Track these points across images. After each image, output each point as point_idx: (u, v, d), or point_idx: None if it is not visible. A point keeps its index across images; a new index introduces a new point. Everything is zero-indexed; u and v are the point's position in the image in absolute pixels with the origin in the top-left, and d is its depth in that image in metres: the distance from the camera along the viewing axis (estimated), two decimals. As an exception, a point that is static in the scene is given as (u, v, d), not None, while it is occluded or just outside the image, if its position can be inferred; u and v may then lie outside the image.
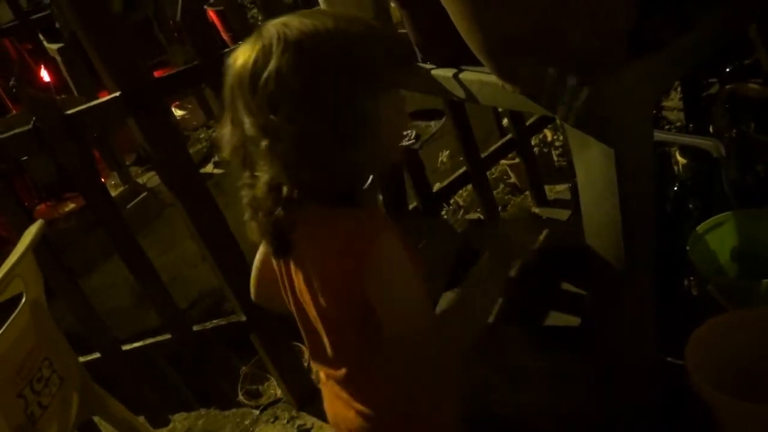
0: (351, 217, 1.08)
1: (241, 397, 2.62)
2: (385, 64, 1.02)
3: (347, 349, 1.20)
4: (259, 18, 3.16)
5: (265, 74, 0.98)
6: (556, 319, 1.60)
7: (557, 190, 3.26)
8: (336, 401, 1.30)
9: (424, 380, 1.18)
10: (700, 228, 1.95)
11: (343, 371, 1.23)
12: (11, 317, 1.69)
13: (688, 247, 1.91)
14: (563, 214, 3.03)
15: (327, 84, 0.98)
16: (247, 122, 1.02)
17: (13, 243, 1.85)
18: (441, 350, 1.12)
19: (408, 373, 1.16)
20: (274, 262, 1.24)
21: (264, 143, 1.00)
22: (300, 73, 0.97)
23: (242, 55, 1.02)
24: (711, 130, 2.26)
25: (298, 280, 1.17)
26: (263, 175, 1.05)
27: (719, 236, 1.96)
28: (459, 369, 1.26)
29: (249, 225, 1.14)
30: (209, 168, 3.76)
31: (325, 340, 1.20)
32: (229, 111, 1.06)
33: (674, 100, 3.09)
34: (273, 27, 1.01)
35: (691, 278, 2.04)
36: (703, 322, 1.64)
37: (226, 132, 1.08)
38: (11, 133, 2.01)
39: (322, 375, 1.34)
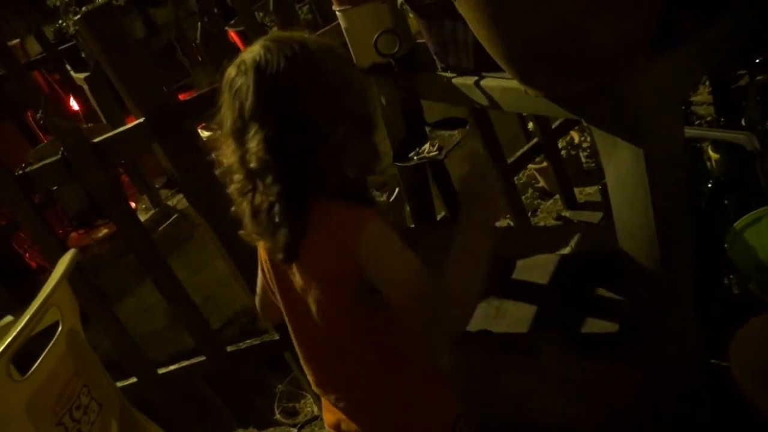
0: (344, 208, 1.14)
1: (278, 416, 2.62)
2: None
3: (346, 338, 1.22)
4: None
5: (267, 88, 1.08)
6: (593, 325, 1.56)
7: (587, 193, 3.22)
8: (332, 410, 1.34)
9: (420, 366, 1.25)
10: (737, 224, 1.90)
11: (340, 371, 1.27)
12: (48, 346, 1.70)
13: (726, 245, 1.86)
14: (595, 217, 2.98)
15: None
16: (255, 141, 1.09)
17: (49, 270, 1.87)
18: (444, 315, 1.12)
19: (405, 362, 1.23)
20: (268, 272, 1.31)
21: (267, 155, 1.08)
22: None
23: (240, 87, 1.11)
24: (743, 123, 2.20)
25: (300, 277, 1.20)
26: (269, 182, 1.11)
27: (758, 232, 1.90)
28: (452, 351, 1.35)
29: (252, 235, 1.21)
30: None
31: (324, 335, 1.24)
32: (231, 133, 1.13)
33: (703, 94, 3.03)
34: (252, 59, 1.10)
35: (731, 276, 1.98)
36: (745, 321, 1.60)
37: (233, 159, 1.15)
38: (41, 164, 2.05)
39: (315, 386, 1.37)
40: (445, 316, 1.09)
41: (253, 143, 1.09)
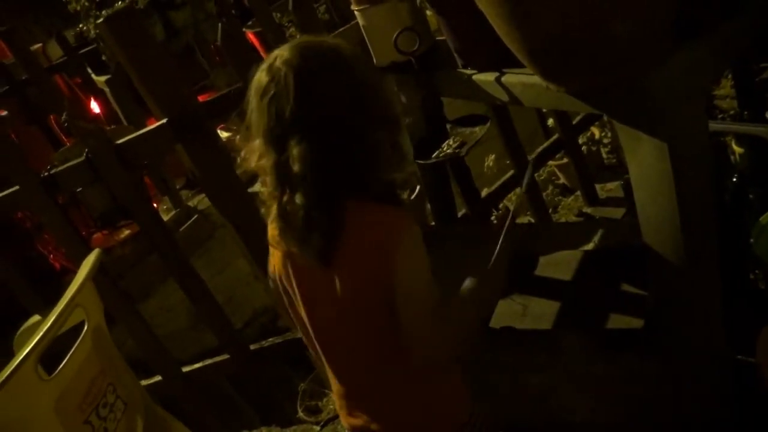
0: (379, 209, 1.16)
1: (300, 414, 2.63)
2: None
3: (372, 344, 1.24)
4: (297, 37, 3.20)
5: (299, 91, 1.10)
6: (618, 321, 1.55)
7: (608, 189, 3.19)
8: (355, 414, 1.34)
9: (435, 378, 1.27)
10: (763, 219, 1.87)
11: (360, 379, 1.30)
12: (74, 346, 1.72)
13: (752, 240, 1.84)
14: (616, 213, 2.96)
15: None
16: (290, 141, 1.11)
17: (73, 272, 1.89)
18: (447, 337, 1.18)
19: (420, 374, 1.24)
20: (284, 280, 1.31)
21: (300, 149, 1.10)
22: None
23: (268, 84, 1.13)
24: (767, 116, 2.17)
25: (331, 282, 1.19)
26: (308, 187, 1.12)
27: (784, 226, 1.87)
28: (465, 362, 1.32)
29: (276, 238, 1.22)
30: (257, 187, 3.79)
31: (343, 346, 1.27)
32: (260, 130, 1.15)
33: (726, 87, 2.99)
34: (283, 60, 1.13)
35: (757, 271, 1.96)
36: (773, 316, 1.58)
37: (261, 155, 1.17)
38: (66, 165, 2.07)
39: (336, 396, 1.38)
40: (441, 337, 1.17)
41: (296, 149, 1.10)
